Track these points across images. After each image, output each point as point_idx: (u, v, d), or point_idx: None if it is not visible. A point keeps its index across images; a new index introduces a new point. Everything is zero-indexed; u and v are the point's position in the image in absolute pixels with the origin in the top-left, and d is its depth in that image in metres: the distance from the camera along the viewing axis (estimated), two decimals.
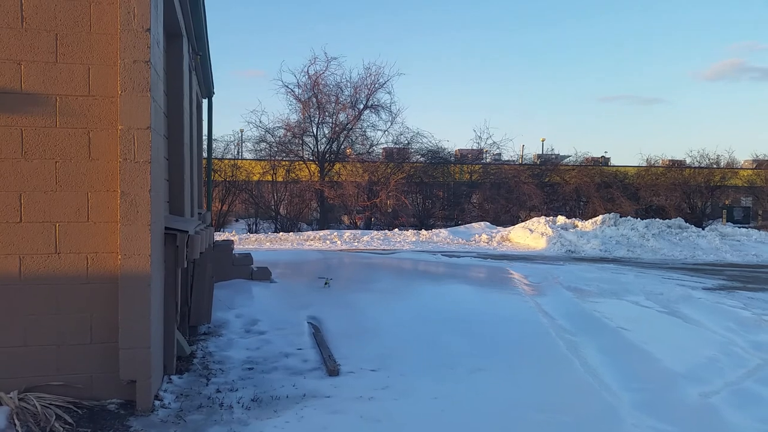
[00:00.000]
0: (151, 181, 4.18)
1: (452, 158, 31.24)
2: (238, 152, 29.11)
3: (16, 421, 3.74)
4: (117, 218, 4.17)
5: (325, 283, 8.92)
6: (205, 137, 11.67)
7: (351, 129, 28.10)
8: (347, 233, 22.02)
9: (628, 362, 5.80)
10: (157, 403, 4.30)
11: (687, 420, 4.38)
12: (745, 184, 33.98)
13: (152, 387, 4.25)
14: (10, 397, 3.93)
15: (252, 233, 24.10)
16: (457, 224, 26.59)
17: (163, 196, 5.14)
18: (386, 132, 28.94)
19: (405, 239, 21.54)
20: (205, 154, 11.83)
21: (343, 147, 28.68)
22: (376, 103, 27.80)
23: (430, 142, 29.67)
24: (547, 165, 31.91)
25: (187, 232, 4.90)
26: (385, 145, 29.42)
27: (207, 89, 10.63)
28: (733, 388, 5.19)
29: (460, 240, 21.73)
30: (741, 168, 35.47)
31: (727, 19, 73.01)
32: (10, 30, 4.05)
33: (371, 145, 29.05)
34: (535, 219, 23.34)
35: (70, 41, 4.13)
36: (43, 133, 4.11)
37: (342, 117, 27.91)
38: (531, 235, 21.31)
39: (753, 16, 71.53)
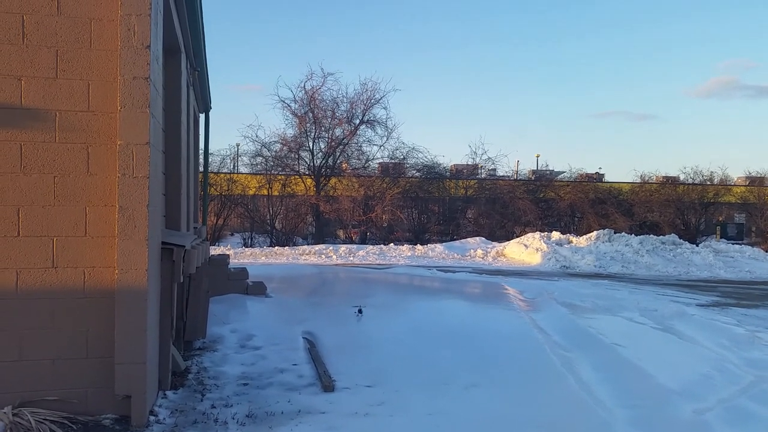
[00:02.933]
0: (149, 196, 4.20)
1: (447, 173, 31.37)
2: (234, 166, 29.17)
3: None
4: (114, 233, 4.19)
5: (359, 312, 8.30)
6: (201, 151, 11.72)
7: (347, 144, 28.22)
8: (343, 248, 22.02)
9: (622, 379, 5.81)
10: (152, 418, 4.29)
11: None
12: (739, 201, 34.20)
13: (147, 402, 4.24)
14: (4, 412, 3.91)
15: (247, 247, 24.07)
16: (452, 239, 26.63)
17: (160, 210, 5.17)
18: (382, 147, 29.03)
19: (400, 254, 21.56)
20: (201, 169, 11.87)
21: (338, 161, 28.77)
22: (372, 118, 27.98)
23: (426, 157, 29.82)
24: (542, 181, 32.07)
25: (184, 246, 4.91)
26: (380, 160, 29.56)
27: (204, 104, 10.69)
28: (726, 405, 5.20)
29: (455, 255, 21.77)
30: (734, 185, 35.71)
31: (719, 36, 73.93)
32: (11, 46, 4.09)
33: (367, 160, 29.17)
34: (530, 234, 23.41)
35: (71, 57, 4.17)
36: (42, 148, 4.14)
37: (338, 132, 28.06)
38: (526, 250, 21.37)
39: (745, 33, 72.50)
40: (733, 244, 24.25)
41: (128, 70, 4.16)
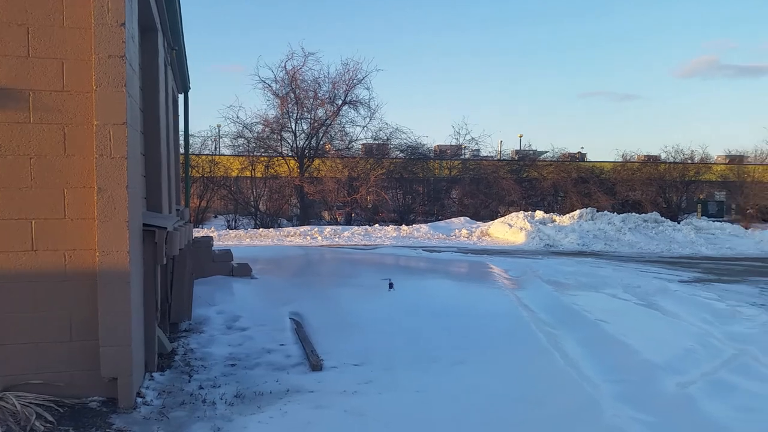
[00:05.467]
0: (128, 177, 4.12)
1: (431, 154, 31.33)
2: (215, 148, 28.87)
3: None
4: (94, 215, 4.10)
5: (390, 286, 8.40)
6: (181, 132, 11.55)
7: (330, 125, 27.99)
8: (328, 229, 21.97)
9: (607, 354, 5.87)
10: (139, 400, 4.26)
11: (665, 410, 4.44)
12: (719, 179, 34.65)
13: (134, 384, 4.21)
14: None
15: (231, 229, 23.91)
16: (437, 219, 26.69)
17: (140, 192, 5.08)
18: (365, 128, 28.82)
19: (386, 234, 21.57)
20: (182, 150, 11.71)
21: (322, 143, 28.56)
22: (354, 98, 27.72)
23: (410, 137, 29.68)
24: (525, 161, 32.17)
25: (166, 228, 4.84)
26: (364, 141, 29.39)
27: (183, 84, 10.51)
28: (709, 378, 5.29)
29: (440, 235, 21.82)
30: (714, 163, 36.16)
31: (702, 16, 74.22)
32: None
33: (350, 141, 28.98)
34: (513, 214, 23.53)
35: (43, 35, 4.04)
36: (16, 129, 4.03)
37: (320, 112, 27.79)
38: (510, 229, 21.48)
39: (727, 14, 72.86)
40: (713, 221, 24.60)
41: (103, 49, 4.05)
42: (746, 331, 7.11)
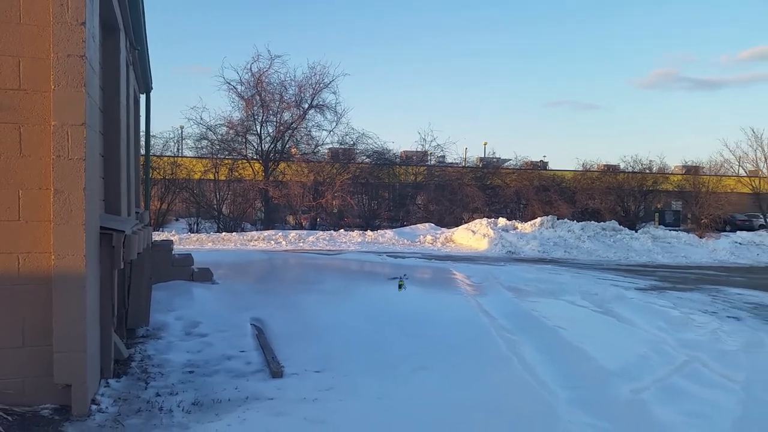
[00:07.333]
0: (85, 178, 4.03)
1: (397, 160, 31.49)
2: (178, 149, 28.41)
3: None
4: (50, 217, 4.00)
5: (400, 286, 8.36)
6: (143, 133, 11.34)
7: (296, 128, 27.86)
8: (292, 233, 21.83)
9: (564, 361, 5.99)
10: (93, 407, 4.16)
11: (619, 415, 4.56)
12: (676, 189, 35.73)
13: (88, 391, 4.11)
14: None
15: (193, 233, 23.54)
16: (402, 225, 26.80)
17: (98, 194, 4.97)
18: (331, 132, 28.80)
19: (350, 240, 21.55)
20: (143, 151, 11.50)
21: (287, 146, 28.41)
22: (321, 102, 27.68)
23: (376, 143, 29.81)
24: (489, 168, 32.64)
25: (124, 231, 4.75)
26: (330, 146, 29.35)
27: (145, 84, 10.33)
28: (661, 384, 5.45)
29: (405, 241, 21.91)
30: (672, 173, 37.29)
31: (662, 30, 76.62)
32: None
33: (316, 145, 28.91)
34: (477, 221, 23.80)
35: None
36: None
37: (286, 116, 27.66)
38: (473, 236, 21.71)
39: (687, 27, 75.29)
40: (670, 230, 25.33)
41: (62, 48, 3.96)
42: (698, 338, 7.35)
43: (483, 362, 5.81)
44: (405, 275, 8.48)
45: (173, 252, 9.19)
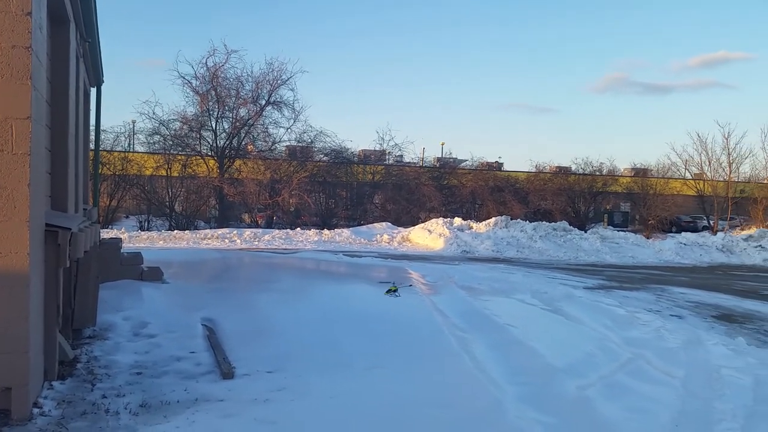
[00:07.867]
0: (30, 174, 3.90)
1: (355, 158, 31.50)
2: (129, 145, 27.73)
3: None
4: None
5: (393, 291, 8.52)
6: (93, 128, 11.03)
7: (252, 125, 27.54)
8: (248, 232, 21.58)
9: (514, 357, 6.12)
10: (36, 410, 4.04)
11: (565, 411, 4.70)
12: (624, 191, 36.90)
13: (30, 394, 3.98)
14: None
15: (144, 231, 22.99)
16: (359, 224, 26.83)
17: (44, 190, 4.83)
18: (289, 129, 28.62)
19: (307, 239, 21.44)
20: (92, 146, 11.18)
21: (243, 143, 28.05)
22: (278, 99, 27.46)
23: (334, 141, 29.73)
24: (446, 168, 33.00)
25: (70, 229, 4.62)
26: (288, 143, 29.13)
27: (96, 77, 10.04)
28: (606, 380, 5.63)
29: (362, 240, 21.94)
30: (621, 175, 38.44)
31: (614, 34, 78.85)
32: None
33: (274, 143, 28.65)
34: (433, 220, 24.04)
35: None
36: None
37: (243, 112, 27.33)
38: (430, 235, 21.92)
39: (637, 33, 77.73)
40: (618, 231, 26.13)
41: (6, 39, 3.83)
42: (642, 336, 7.62)
43: (435, 359, 5.89)
44: (393, 283, 8.81)
45: (122, 250, 8.97)
